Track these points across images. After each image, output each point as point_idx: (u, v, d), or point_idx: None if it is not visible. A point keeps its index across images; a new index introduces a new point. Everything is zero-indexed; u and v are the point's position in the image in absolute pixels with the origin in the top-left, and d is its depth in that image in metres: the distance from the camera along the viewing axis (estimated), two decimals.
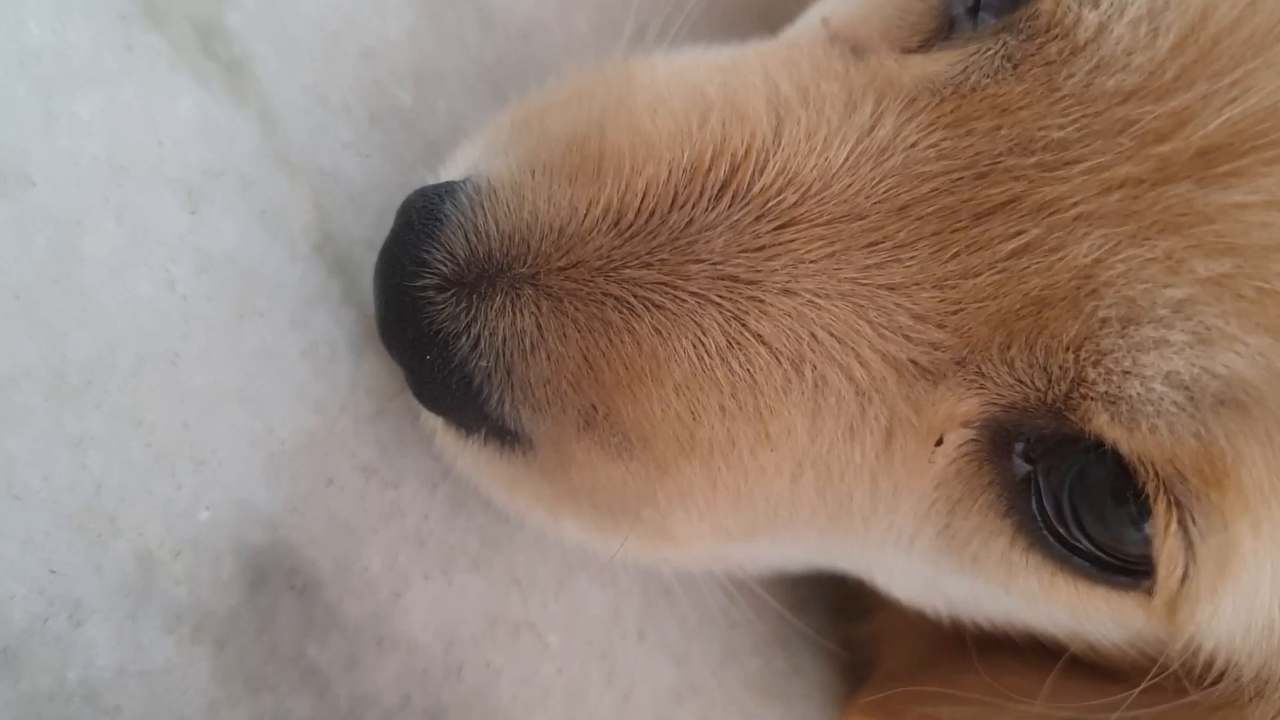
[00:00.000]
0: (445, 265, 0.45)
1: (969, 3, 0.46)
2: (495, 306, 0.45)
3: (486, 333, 0.45)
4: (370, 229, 0.55)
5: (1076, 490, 0.43)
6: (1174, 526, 0.40)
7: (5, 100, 0.47)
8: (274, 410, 0.52)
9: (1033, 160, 0.40)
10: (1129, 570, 0.43)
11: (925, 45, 0.47)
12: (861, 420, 0.44)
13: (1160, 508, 0.40)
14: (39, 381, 0.46)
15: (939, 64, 0.45)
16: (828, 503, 0.47)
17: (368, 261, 0.54)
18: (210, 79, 0.51)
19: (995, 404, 0.43)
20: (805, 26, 0.51)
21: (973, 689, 0.55)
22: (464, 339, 0.45)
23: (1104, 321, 0.39)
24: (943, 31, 0.47)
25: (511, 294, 0.44)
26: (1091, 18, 0.40)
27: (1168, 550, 0.41)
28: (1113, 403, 0.39)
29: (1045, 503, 0.44)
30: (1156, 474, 0.40)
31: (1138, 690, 0.45)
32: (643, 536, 0.51)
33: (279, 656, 0.51)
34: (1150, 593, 0.43)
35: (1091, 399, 0.39)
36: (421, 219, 0.46)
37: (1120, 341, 0.38)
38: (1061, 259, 0.40)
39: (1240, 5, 0.37)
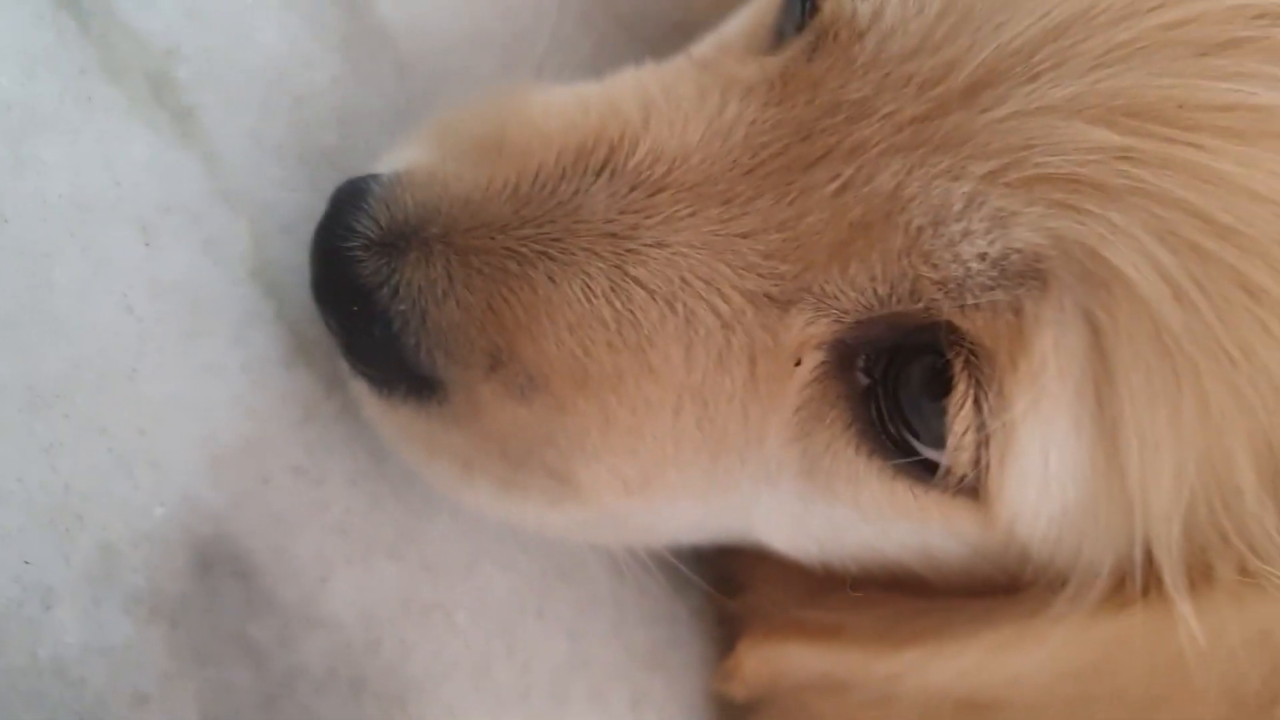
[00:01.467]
0: (370, 231, 0.50)
1: (797, 22, 0.53)
2: (411, 260, 0.49)
3: (404, 282, 0.49)
4: (299, 256, 0.56)
5: (904, 394, 0.49)
6: (969, 405, 0.46)
7: None
8: (218, 418, 0.55)
9: (841, 117, 0.47)
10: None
11: (761, 54, 0.54)
12: (728, 349, 0.50)
13: (960, 388, 0.46)
14: (14, 395, 0.50)
15: (766, 62, 0.51)
16: (707, 437, 0.52)
17: (296, 285, 0.56)
18: (161, 125, 0.55)
19: (841, 321, 0.49)
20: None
21: (838, 603, 0.59)
22: (385, 289, 0.49)
23: (920, 229, 0.45)
24: (774, 43, 0.54)
25: (425, 250, 0.49)
26: (865, 9, 0.47)
27: (960, 422, 0.46)
28: (943, 285, 0.45)
29: (883, 409, 0.49)
30: (970, 355, 0.45)
31: None
32: (549, 492, 0.55)
33: (223, 634, 0.54)
34: (974, 494, 0.48)
35: (931, 286, 0.45)
36: (349, 196, 0.51)
37: (937, 241, 0.45)
38: (872, 188, 0.46)
39: None
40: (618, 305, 0.49)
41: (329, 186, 0.59)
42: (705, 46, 0.57)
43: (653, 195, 0.49)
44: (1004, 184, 0.44)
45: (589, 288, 0.49)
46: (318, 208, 0.58)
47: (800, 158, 0.48)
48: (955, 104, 0.45)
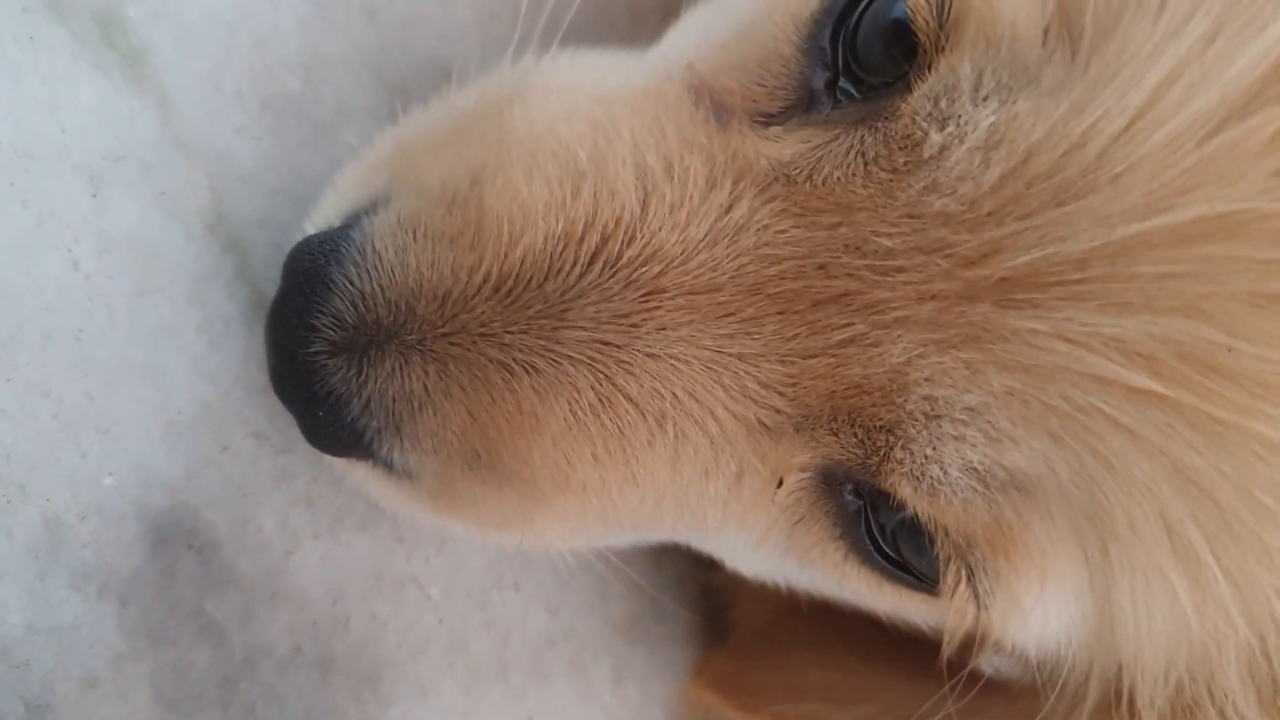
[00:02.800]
0: (334, 332, 0.47)
1: (827, 78, 0.48)
2: (385, 371, 0.47)
3: (377, 394, 0.47)
4: (261, 209, 0.56)
5: (900, 529, 0.47)
6: (962, 586, 0.45)
7: None
8: (173, 381, 0.53)
9: (865, 262, 0.43)
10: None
11: (786, 113, 0.48)
12: (715, 466, 0.48)
13: (951, 570, 0.45)
14: None
15: (796, 145, 0.46)
16: (685, 519, 0.51)
17: (258, 239, 0.56)
18: (110, 68, 0.52)
19: (826, 460, 0.47)
20: (671, 67, 0.52)
21: (815, 685, 0.60)
22: (355, 400, 0.47)
23: (910, 414, 0.43)
24: (803, 103, 0.48)
25: (400, 359, 0.47)
26: (936, 138, 0.42)
27: (955, 604, 0.46)
28: (917, 479, 0.43)
29: (874, 530, 0.48)
30: (950, 539, 0.45)
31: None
32: (520, 539, 0.54)
33: (179, 611, 0.53)
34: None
35: (899, 474, 0.44)
36: (310, 283, 0.48)
37: (924, 433, 0.43)
38: (879, 354, 0.43)
39: (1056, 155, 0.40)
40: (605, 421, 0.47)
41: (293, 136, 0.58)
42: (706, 56, 0.51)
43: (647, 297, 0.46)
44: (1020, 403, 0.42)
45: (576, 402, 0.47)
46: (281, 158, 0.58)
47: (812, 290, 0.45)
48: (985, 293, 0.42)
